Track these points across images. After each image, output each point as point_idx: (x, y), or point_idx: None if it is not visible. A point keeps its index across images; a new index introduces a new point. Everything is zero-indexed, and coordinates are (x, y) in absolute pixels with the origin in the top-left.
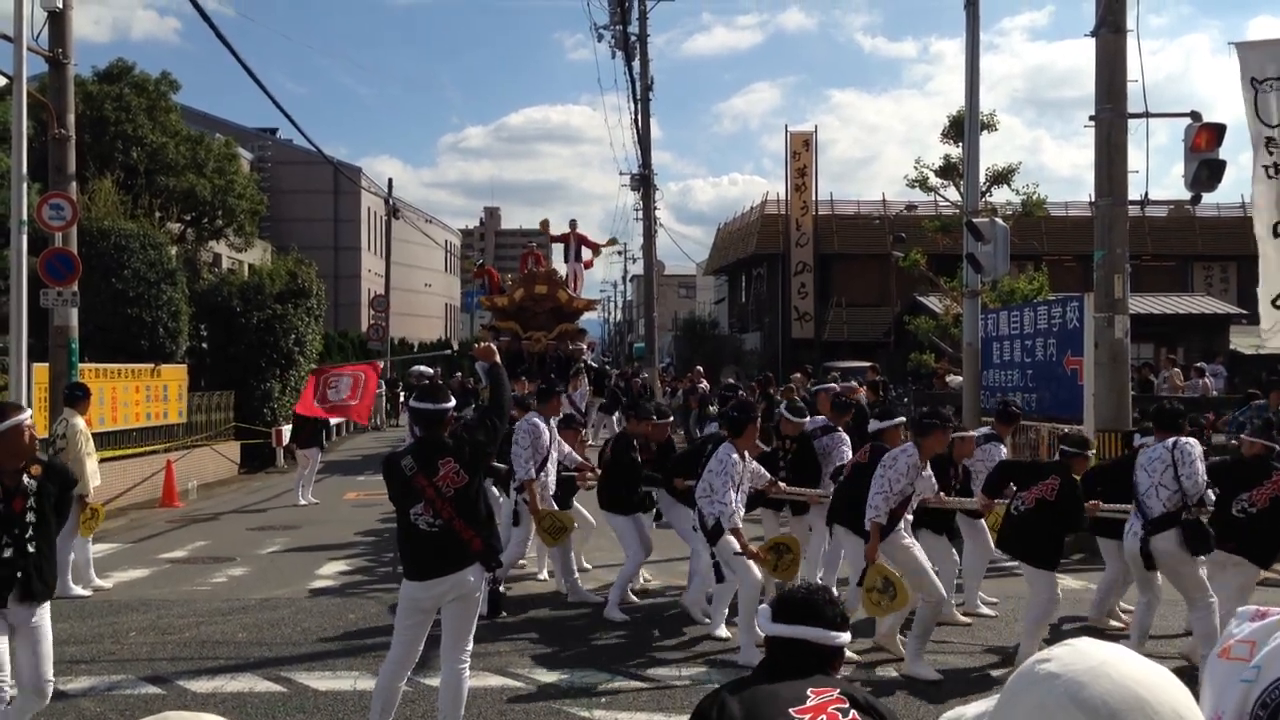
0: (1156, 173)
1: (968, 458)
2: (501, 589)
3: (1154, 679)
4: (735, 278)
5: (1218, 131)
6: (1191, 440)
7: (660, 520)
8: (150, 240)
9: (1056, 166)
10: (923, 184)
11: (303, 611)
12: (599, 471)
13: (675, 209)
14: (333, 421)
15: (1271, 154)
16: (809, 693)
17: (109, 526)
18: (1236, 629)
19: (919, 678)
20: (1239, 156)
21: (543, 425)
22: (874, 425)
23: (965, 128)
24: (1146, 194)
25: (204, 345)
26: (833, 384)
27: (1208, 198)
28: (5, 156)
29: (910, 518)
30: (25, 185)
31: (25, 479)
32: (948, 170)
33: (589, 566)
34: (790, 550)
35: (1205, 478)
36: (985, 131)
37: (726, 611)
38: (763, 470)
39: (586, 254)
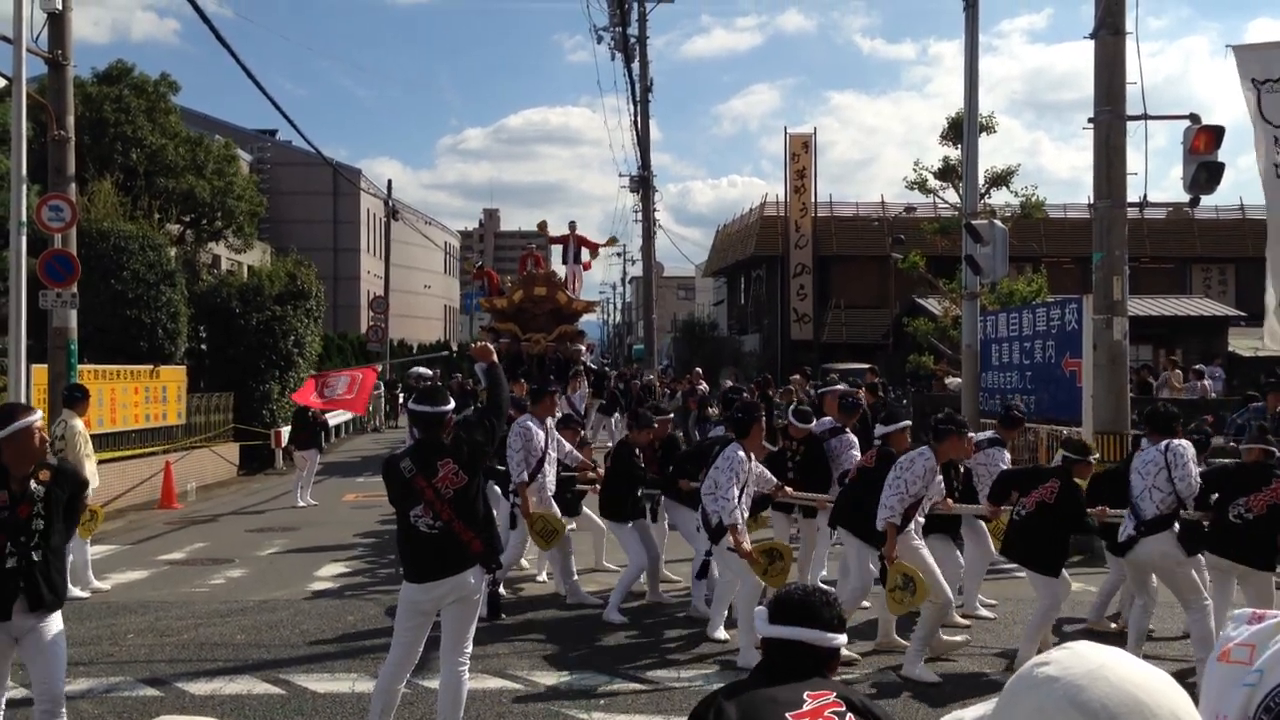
0: (1155, 175)
1: (967, 458)
2: (501, 591)
3: (1153, 682)
4: (734, 279)
5: (1216, 134)
6: (1184, 442)
7: (657, 520)
8: (149, 242)
9: (1055, 168)
10: (922, 186)
11: (301, 613)
12: (600, 472)
13: (674, 210)
14: (331, 423)
15: (1277, 153)
16: (805, 696)
17: (107, 528)
18: (1234, 632)
19: (918, 680)
20: (1237, 159)
21: (535, 427)
22: (880, 429)
23: (964, 130)
24: (1145, 196)
25: (203, 347)
26: (839, 385)
27: (1206, 200)
28: (5, 158)
29: (922, 520)
30: (25, 187)
31: (33, 484)
32: (947, 172)
33: (612, 567)
34: (782, 557)
35: (1199, 480)
36: (984, 133)
37: (725, 613)
38: (769, 475)
39: (585, 255)
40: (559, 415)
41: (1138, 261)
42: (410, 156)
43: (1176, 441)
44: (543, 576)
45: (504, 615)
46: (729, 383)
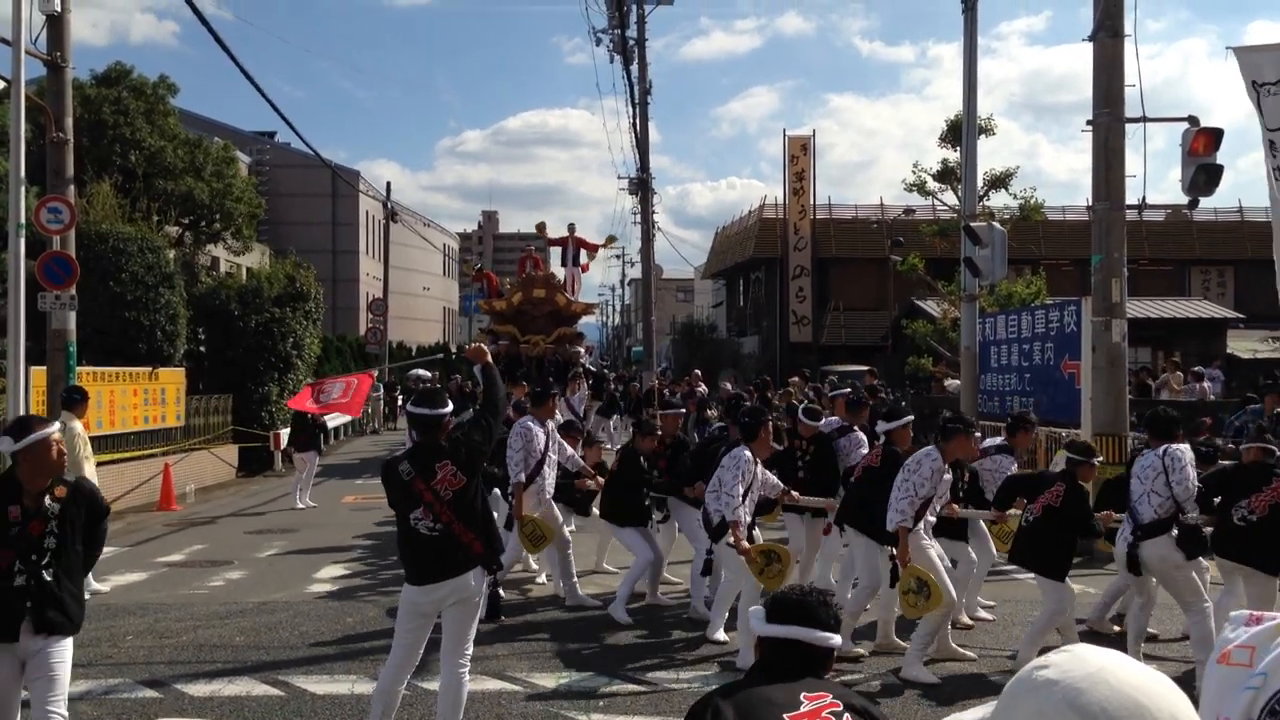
0: (1154, 177)
1: (974, 459)
2: (502, 593)
3: (1152, 685)
4: (733, 281)
5: (1215, 136)
6: (1182, 446)
7: (666, 520)
8: (148, 244)
9: (1054, 171)
10: (920, 188)
11: (300, 615)
12: (599, 481)
13: (673, 213)
14: (330, 425)
15: (1276, 156)
16: (803, 698)
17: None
18: (1233, 634)
19: (917, 681)
20: (1236, 161)
21: (536, 429)
22: (882, 426)
23: (963, 132)
24: (1144, 198)
25: (202, 349)
26: (847, 389)
27: (1205, 202)
28: (4, 160)
29: (933, 519)
30: (23, 188)
31: (48, 500)
32: (945, 174)
33: (612, 569)
34: (780, 560)
35: (1196, 483)
36: (983, 136)
37: (726, 615)
38: (775, 480)
39: (584, 257)
40: (560, 420)
41: (1136, 264)
42: (409, 158)
43: (1175, 446)
44: (542, 578)
45: (503, 617)
46: (728, 385)
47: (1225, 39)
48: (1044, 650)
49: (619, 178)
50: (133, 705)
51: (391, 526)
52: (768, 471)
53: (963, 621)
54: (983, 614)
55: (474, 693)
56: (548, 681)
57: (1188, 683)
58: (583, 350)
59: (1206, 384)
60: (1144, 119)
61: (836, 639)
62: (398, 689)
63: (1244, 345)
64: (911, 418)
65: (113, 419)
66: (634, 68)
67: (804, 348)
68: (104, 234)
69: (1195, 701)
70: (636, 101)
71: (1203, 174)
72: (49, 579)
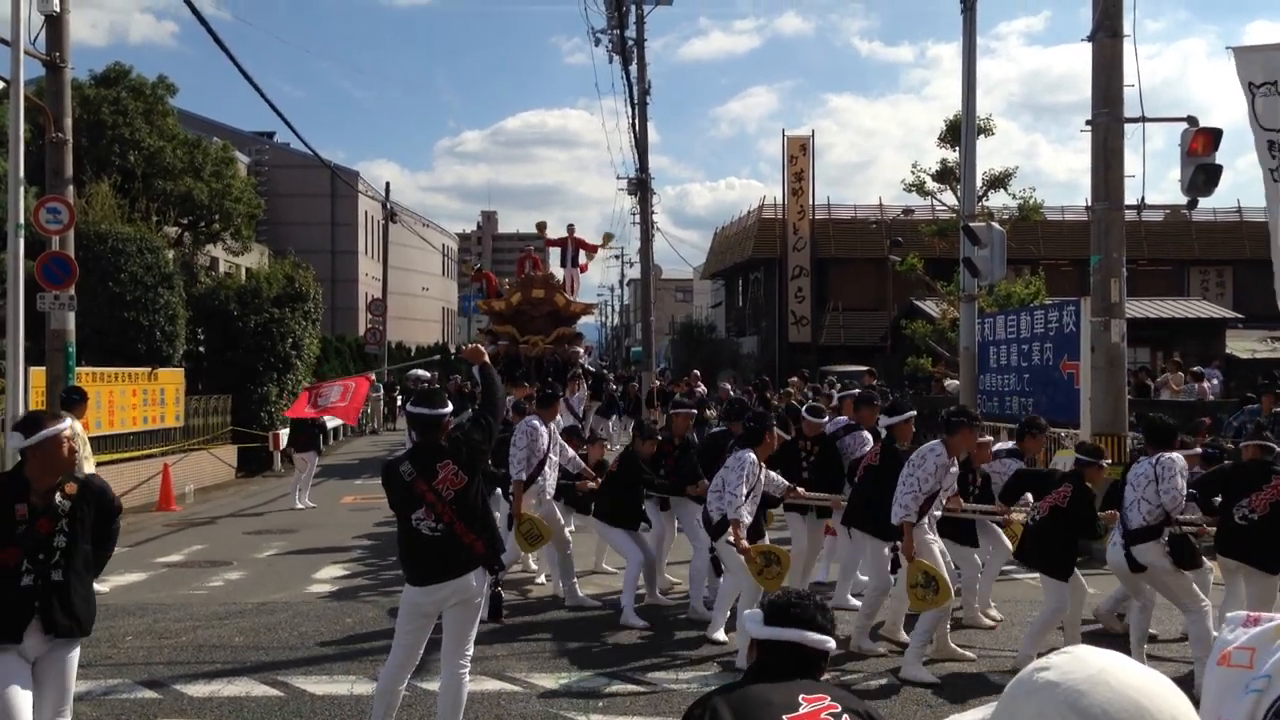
0: (1153, 177)
1: (986, 463)
2: (501, 593)
3: (1153, 687)
4: (732, 282)
5: (1214, 136)
6: (1175, 455)
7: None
8: (147, 244)
9: (1053, 171)
10: (919, 188)
11: (300, 616)
12: (598, 482)
13: (672, 213)
14: (329, 425)
15: (1275, 157)
16: (801, 699)
17: None
18: (1231, 635)
19: (916, 681)
20: (1235, 161)
21: (542, 428)
22: (884, 421)
23: (962, 132)
24: (1143, 198)
25: (201, 349)
26: (857, 389)
27: (1204, 202)
28: (3, 160)
29: (938, 514)
30: (22, 189)
31: (58, 497)
32: (944, 175)
33: (611, 570)
34: (779, 562)
35: (1184, 492)
36: (982, 136)
37: (727, 615)
38: (780, 479)
39: (582, 257)
40: (562, 424)
41: (1135, 264)
42: (408, 159)
43: (1167, 455)
44: (542, 578)
45: (503, 619)
46: (727, 385)
47: (1224, 39)
48: (1044, 651)
49: (618, 178)
50: (132, 706)
51: (391, 527)
52: (772, 472)
53: (985, 621)
54: (993, 613)
55: (474, 693)
56: (547, 681)
57: (1188, 683)
58: (582, 350)
59: (1206, 384)
60: (1143, 119)
61: (832, 642)
62: (398, 689)
63: (1243, 345)
64: (914, 412)
65: (112, 419)
66: (633, 68)
67: (803, 348)
68: (103, 234)
69: (1196, 702)
70: (635, 102)
71: (1202, 174)
72: (58, 579)
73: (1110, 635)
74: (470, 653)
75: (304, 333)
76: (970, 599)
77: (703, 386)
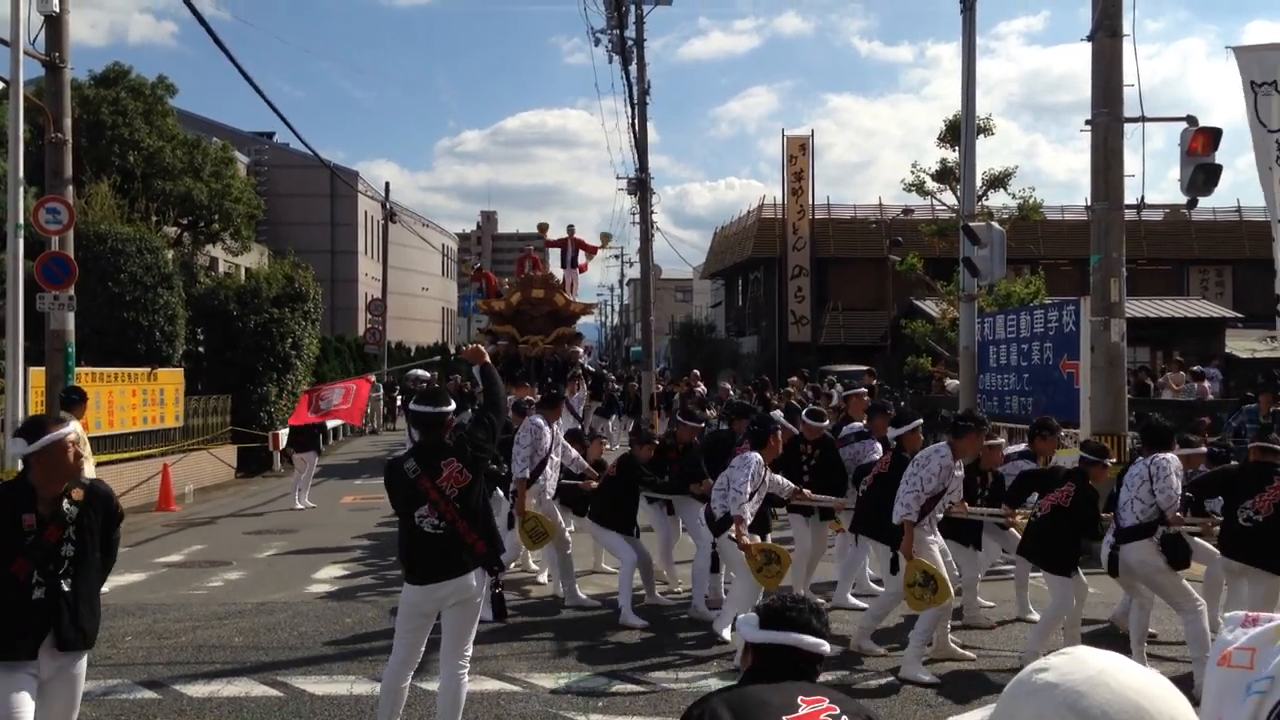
0: (1153, 177)
1: (997, 465)
2: (500, 591)
3: (1152, 688)
4: (732, 282)
5: (1213, 136)
6: (1169, 455)
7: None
8: (147, 244)
9: (1053, 171)
10: (919, 188)
11: (299, 616)
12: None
13: (672, 213)
14: (329, 425)
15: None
16: (799, 700)
17: None
18: (1230, 635)
19: (916, 681)
20: (1235, 160)
21: (546, 428)
22: (893, 431)
23: (961, 132)
24: (1142, 198)
25: (201, 349)
26: (861, 389)
27: (1203, 202)
28: (2, 161)
29: (940, 515)
30: (22, 189)
31: (65, 504)
32: (944, 174)
33: (611, 569)
34: (779, 562)
35: (1179, 492)
36: (981, 136)
37: (735, 614)
38: (786, 481)
39: (581, 258)
40: (565, 428)
41: (1135, 263)
42: (408, 159)
43: (1161, 456)
44: (543, 578)
45: (507, 619)
46: (727, 385)
47: (1224, 39)
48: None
49: (618, 178)
50: (131, 706)
51: (391, 526)
52: (776, 475)
53: (985, 621)
54: (1034, 613)
55: (473, 693)
56: (547, 682)
57: (1186, 683)
58: (581, 350)
59: (1206, 384)
60: (1143, 119)
61: (826, 646)
62: (401, 686)
63: (1242, 345)
64: (921, 422)
65: (111, 419)
66: (633, 68)
67: (803, 348)
68: (102, 234)
69: (1195, 702)
70: (635, 101)
71: (1201, 173)
72: (67, 590)
73: (1115, 635)
74: (469, 653)
75: (303, 333)
76: (971, 599)
77: (702, 386)
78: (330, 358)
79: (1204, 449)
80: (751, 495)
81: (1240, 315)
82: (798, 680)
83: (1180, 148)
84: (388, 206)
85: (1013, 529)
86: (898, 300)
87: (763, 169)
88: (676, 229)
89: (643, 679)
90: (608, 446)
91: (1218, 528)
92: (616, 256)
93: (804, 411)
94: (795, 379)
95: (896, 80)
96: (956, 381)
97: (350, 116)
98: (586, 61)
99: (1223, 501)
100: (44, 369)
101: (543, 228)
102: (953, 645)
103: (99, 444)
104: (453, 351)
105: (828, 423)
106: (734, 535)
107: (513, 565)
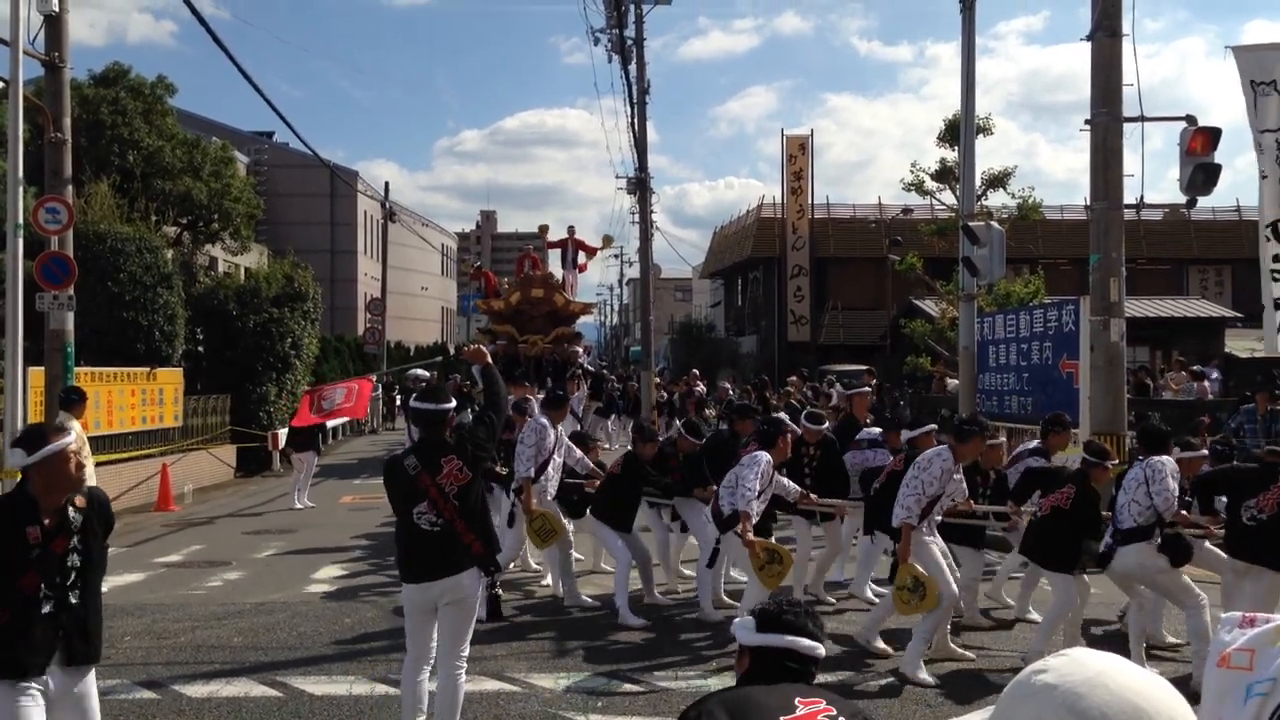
0: (1152, 176)
1: (998, 465)
2: (499, 593)
3: (1151, 689)
4: (731, 281)
5: (1213, 135)
6: (1165, 458)
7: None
8: (146, 244)
9: (1052, 170)
10: (918, 188)
11: (299, 616)
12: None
13: (671, 212)
14: (329, 425)
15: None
16: (797, 702)
17: None
18: (1228, 636)
19: (916, 682)
20: (1234, 160)
21: (550, 428)
22: (906, 434)
23: (961, 131)
24: (1142, 198)
25: (200, 349)
26: (865, 389)
27: (1203, 201)
28: (2, 160)
29: (939, 518)
30: (21, 189)
31: (71, 512)
32: (943, 174)
33: (610, 569)
34: (781, 562)
35: (1175, 493)
36: (981, 135)
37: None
38: (792, 484)
39: (581, 258)
40: (564, 421)
41: (1134, 263)
42: (407, 158)
43: (1158, 458)
44: (547, 580)
45: (504, 618)
46: (726, 385)
47: (1223, 38)
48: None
49: (617, 177)
50: (130, 706)
51: (390, 527)
52: (781, 476)
53: (985, 621)
54: (1034, 614)
55: (473, 693)
56: (546, 682)
57: (1186, 683)
58: (581, 350)
59: (1206, 383)
60: (1142, 118)
61: (822, 649)
62: (419, 681)
63: (1241, 344)
64: (934, 426)
65: (111, 419)
66: (632, 67)
67: (802, 347)
68: (102, 234)
69: (1196, 700)
70: (635, 101)
71: (1201, 173)
72: (75, 602)
73: (1118, 636)
74: (466, 653)
75: (303, 332)
76: (971, 599)
77: (702, 386)
78: (330, 357)
79: (1204, 452)
80: (760, 494)
81: (1240, 315)
82: (794, 682)
83: (1179, 147)
84: (387, 206)
85: (1010, 530)
86: (897, 300)
87: (762, 169)
88: (676, 229)
89: (643, 679)
90: (605, 448)
91: (1221, 529)
92: (616, 256)
93: (803, 414)
94: (794, 379)
95: (896, 80)
96: (956, 381)
97: (350, 116)
98: (586, 61)
99: (1226, 502)
100: (43, 369)
101: (543, 229)
102: (953, 646)
103: (98, 444)
104: (452, 351)
105: (827, 425)
106: (739, 533)
107: (512, 565)
